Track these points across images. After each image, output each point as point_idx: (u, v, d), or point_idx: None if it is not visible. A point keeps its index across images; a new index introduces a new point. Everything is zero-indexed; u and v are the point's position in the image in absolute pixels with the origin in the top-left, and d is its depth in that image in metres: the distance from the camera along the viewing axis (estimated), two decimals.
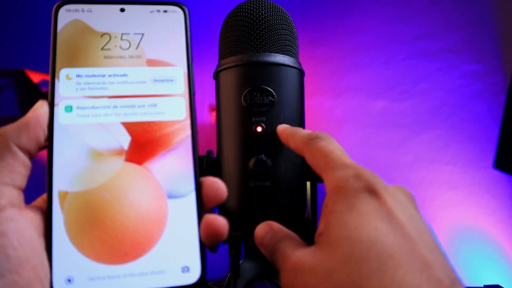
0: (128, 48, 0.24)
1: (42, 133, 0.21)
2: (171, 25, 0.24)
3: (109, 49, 0.23)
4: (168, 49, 0.24)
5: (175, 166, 0.22)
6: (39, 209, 0.20)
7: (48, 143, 0.21)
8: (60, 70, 0.23)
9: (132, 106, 0.23)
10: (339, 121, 1.02)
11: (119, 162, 0.21)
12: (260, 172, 0.26)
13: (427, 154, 0.98)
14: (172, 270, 0.20)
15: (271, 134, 0.27)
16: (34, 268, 0.18)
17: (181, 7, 0.25)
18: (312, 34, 1.03)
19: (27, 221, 0.19)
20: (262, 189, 0.27)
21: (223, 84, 0.29)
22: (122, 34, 0.24)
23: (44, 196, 0.21)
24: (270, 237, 0.22)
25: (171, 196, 0.21)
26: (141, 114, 0.23)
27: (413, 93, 0.99)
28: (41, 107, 0.21)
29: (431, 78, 0.96)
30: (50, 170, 0.21)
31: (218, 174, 0.28)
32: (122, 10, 0.24)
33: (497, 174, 0.88)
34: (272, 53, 0.28)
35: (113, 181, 0.21)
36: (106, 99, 0.22)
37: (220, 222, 0.20)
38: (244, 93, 0.27)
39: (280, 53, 0.29)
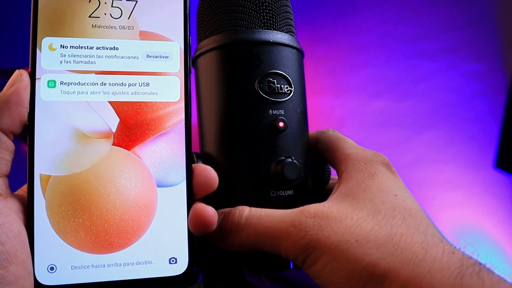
0: (120, 17, 0.21)
1: (25, 111, 0.19)
2: None
3: (98, 17, 0.21)
4: (164, 20, 0.21)
5: (167, 153, 0.20)
6: (22, 197, 0.19)
7: (29, 122, 0.19)
8: (42, 39, 0.20)
9: (122, 85, 0.21)
10: (339, 121, 1.02)
11: (106, 146, 0.20)
12: (289, 179, 0.21)
13: (427, 154, 0.98)
14: (159, 261, 0.19)
15: (292, 131, 0.22)
16: (22, 262, 0.17)
17: None
18: (312, 34, 1.03)
19: (14, 213, 0.18)
20: (284, 200, 0.21)
21: (217, 67, 0.23)
22: (113, 0, 0.21)
23: None
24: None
25: (161, 185, 0.20)
26: (132, 93, 0.21)
27: (413, 93, 0.98)
28: (21, 80, 0.19)
29: (432, 78, 0.96)
30: (31, 152, 0.19)
31: (221, 182, 0.22)
32: None
33: (498, 174, 0.88)
34: (283, 32, 0.23)
35: (100, 166, 0.20)
36: (93, 75, 0.20)
37: (209, 212, 0.19)
38: (258, 78, 0.21)
39: (287, 33, 0.23)
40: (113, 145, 0.20)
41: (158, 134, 0.20)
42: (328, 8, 1.02)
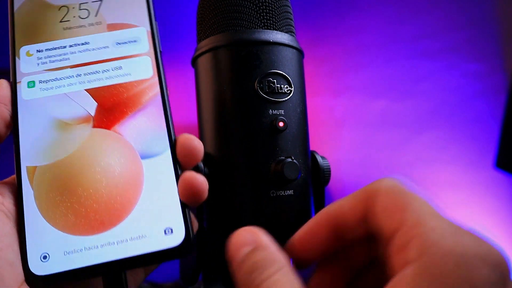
0: (88, 16, 0.23)
1: (7, 110, 0.20)
2: None
3: (68, 21, 0.23)
4: (128, 11, 0.23)
5: (147, 125, 0.21)
6: (7, 186, 0.20)
7: (13, 121, 0.21)
8: (20, 48, 0.22)
9: (96, 72, 0.22)
10: (339, 121, 1.02)
11: (87, 129, 0.21)
12: (289, 178, 0.21)
13: (427, 154, 0.98)
14: (154, 234, 0.19)
15: (291, 131, 0.22)
16: (0, 251, 0.17)
17: None
18: (312, 34, 1.03)
19: None
20: (285, 200, 0.21)
21: (217, 67, 0.23)
22: (80, 4, 0.23)
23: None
24: (260, 263, 0.16)
25: (144, 156, 0.20)
26: (106, 78, 0.22)
27: (414, 93, 0.98)
28: (0, 85, 0.21)
29: (432, 77, 0.96)
30: (17, 148, 0.20)
31: (218, 182, 0.22)
32: None
33: (498, 174, 0.88)
34: (282, 32, 0.23)
35: (82, 149, 0.20)
36: (68, 69, 0.22)
37: (199, 180, 0.19)
38: (258, 78, 0.22)
39: (287, 33, 0.24)
40: (93, 127, 0.21)
41: (136, 110, 0.21)
42: (328, 8, 1.02)
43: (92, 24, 0.23)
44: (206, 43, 0.23)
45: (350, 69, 1.01)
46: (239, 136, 0.22)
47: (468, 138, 0.93)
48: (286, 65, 0.22)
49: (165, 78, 0.22)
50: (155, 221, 0.19)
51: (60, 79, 0.22)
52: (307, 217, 0.23)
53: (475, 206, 0.92)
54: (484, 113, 0.92)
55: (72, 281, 0.19)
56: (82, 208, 0.19)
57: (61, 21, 0.23)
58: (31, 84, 0.22)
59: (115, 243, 0.19)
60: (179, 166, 0.20)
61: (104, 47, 0.23)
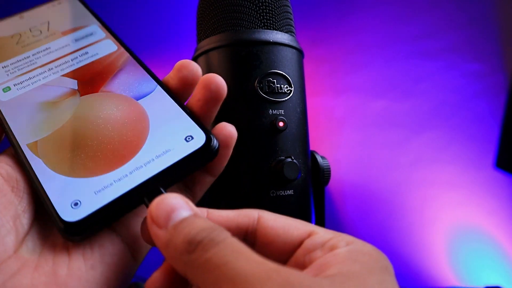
0: (41, 33, 0.26)
1: None
2: (68, 5, 0.27)
3: (24, 41, 0.25)
4: (75, 18, 0.26)
5: (129, 78, 0.22)
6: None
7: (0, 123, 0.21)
8: None
9: (66, 62, 0.24)
10: (339, 121, 1.02)
11: (76, 100, 0.22)
12: (289, 178, 0.21)
13: (427, 154, 0.98)
14: (176, 145, 0.19)
15: (291, 131, 0.22)
16: None
17: None
18: (313, 34, 1.03)
19: None
20: (284, 200, 0.22)
21: (217, 66, 0.23)
22: (30, 28, 0.26)
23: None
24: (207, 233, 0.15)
25: (139, 97, 0.21)
26: (77, 63, 0.24)
27: (414, 93, 0.98)
28: None
29: (432, 77, 0.96)
30: (11, 136, 0.21)
31: (220, 182, 0.22)
32: (22, 17, 0.27)
33: (498, 174, 0.88)
34: (282, 32, 0.23)
35: (78, 113, 0.21)
36: (39, 68, 0.24)
37: (216, 77, 0.20)
38: (258, 78, 0.22)
39: (287, 33, 0.24)
40: (81, 96, 0.22)
41: (115, 73, 0.23)
42: (328, 8, 1.02)
43: (47, 36, 0.25)
44: (206, 43, 0.24)
45: (350, 69, 1.01)
46: (239, 136, 0.22)
47: (468, 138, 0.93)
48: (286, 65, 0.23)
49: (131, 50, 0.24)
50: (173, 135, 0.20)
51: (34, 77, 0.23)
52: (307, 216, 0.23)
53: (475, 206, 0.92)
54: (484, 113, 0.92)
55: (114, 215, 0.18)
56: (98, 153, 0.19)
57: (17, 43, 0.25)
58: (7, 89, 0.23)
59: (143, 165, 0.19)
60: (173, 94, 0.21)
61: (66, 46, 0.25)
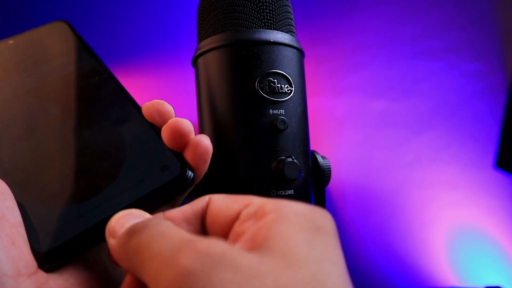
0: (27, 58, 0.25)
1: None
2: (55, 31, 0.26)
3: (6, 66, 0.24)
4: (62, 46, 0.25)
5: (110, 105, 0.22)
6: None
7: None
8: None
9: (45, 86, 0.24)
10: (339, 121, 1.02)
11: (54, 126, 0.21)
12: (290, 178, 0.21)
13: (427, 154, 0.98)
14: (152, 174, 0.19)
15: (292, 131, 0.22)
16: (13, 226, 0.17)
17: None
18: (312, 34, 1.03)
19: None
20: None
21: (218, 66, 0.23)
22: (16, 53, 0.25)
23: None
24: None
25: (118, 124, 0.21)
26: (57, 88, 0.24)
27: (414, 93, 0.99)
28: None
29: (432, 77, 0.96)
30: None
31: (220, 182, 0.22)
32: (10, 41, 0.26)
33: (498, 174, 0.88)
34: (283, 32, 0.23)
35: (55, 140, 0.21)
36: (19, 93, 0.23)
37: (185, 123, 0.20)
38: (259, 78, 0.22)
39: (288, 33, 0.24)
40: (59, 122, 0.22)
41: (95, 99, 0.23)
42: (328, 8, 1.02)
43: (30, 61, 0.25)
44: (206, 43, 0.24)
45: (350, 69, 1.01)
46: (240, 136, 0.22)
47: (468, 138, 0.93)
48: (286, 65, 0.23)
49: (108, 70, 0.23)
50: (149, 165, 0.20)
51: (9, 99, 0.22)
52: None
53: (475, 206, 0.92)
54: (484, 113, 0.92)
55: (86, 246, 0.18)
56: (75, 181, 0.20)
57: None
58: None
59: (117, 195, 0.19)
60: (152, 123, 0.21)
61: (48, 71, 0.24)
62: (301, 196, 0.22)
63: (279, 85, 0.22)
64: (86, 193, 0.19)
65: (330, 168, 0.25)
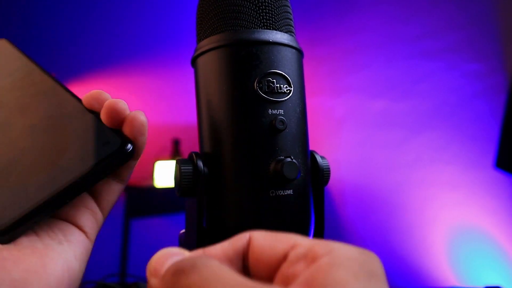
0: None
1: None
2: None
3: None
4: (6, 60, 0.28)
5: (52, 98, 0.25)
6: None
7: None
8: None
9: None
10: (339, 121, 1.02)
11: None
12: (289, 178, 0.21)
13: (427, 154, 0.98)
14: (95, 150, 0.22)
15: (291, 131, 0.22)
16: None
17: None
18: (312, 34, 1.03)
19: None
20: (284, 200, 0.21)
21: (217, 66, 0.23)
22: None
23: None
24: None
25: (62, 116, 0.24)
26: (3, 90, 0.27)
27: (414, 93, 0.98)
28: None
29: (432, 77, 0.96)
30: None
31: (218, 182, 0.22)
32: None
33: (498, 174, 0.88)
34: (282, 32, 0.23)
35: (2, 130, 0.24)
36: None
37: (119, 102, 0.22)
38: (258, 78, 0.22)
39: (287, 33, 0.24)
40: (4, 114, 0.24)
41: (38, 94, 0.25)
42: (328, 8, 1.02)
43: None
44: (205, 43, 0.23)
45: (349, 69, 1.01)
46: (239, 135, 0.22)
47: (468, 138, 0.93)
48: (285, 65, 0.22)
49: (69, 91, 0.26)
50: (93, 143, 0.22)
51: None
52: (307, 216, 0.23)
53: (475, 206, 0.92)
54: (484, 113, 0.92)
55: (40, 218, 0.20)
56: (24, 162, 0.22)
57: None
58: None
59: (66, 171, 0.21)
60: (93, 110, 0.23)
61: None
62: (300, 196, 0.22)
63: (278, 85, 0.22)
64: (36, 172, 0.21)
65: (329, 168, 0.25)
